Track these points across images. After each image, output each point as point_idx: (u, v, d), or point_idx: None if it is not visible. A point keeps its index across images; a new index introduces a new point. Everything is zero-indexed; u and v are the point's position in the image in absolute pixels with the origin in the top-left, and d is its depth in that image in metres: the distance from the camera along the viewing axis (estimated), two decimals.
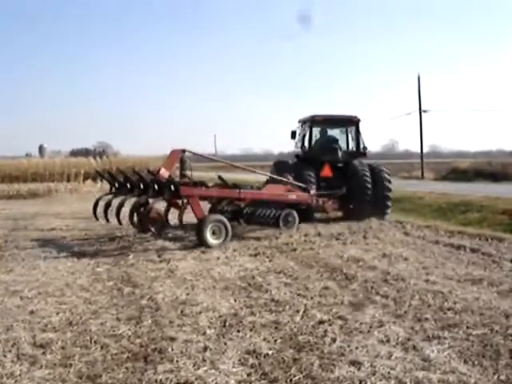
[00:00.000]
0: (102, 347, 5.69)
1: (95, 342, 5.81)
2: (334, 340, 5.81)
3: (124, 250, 11.64)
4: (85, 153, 62.48)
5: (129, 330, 6.22)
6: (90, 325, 6.42)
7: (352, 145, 18.33)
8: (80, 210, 20.49)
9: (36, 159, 55.88)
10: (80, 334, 6.09)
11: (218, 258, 10.42)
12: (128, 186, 13.96)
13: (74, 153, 65.08)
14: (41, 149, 68.82)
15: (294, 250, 11.25)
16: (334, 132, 18.87)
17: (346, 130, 18.56)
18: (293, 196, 14.29)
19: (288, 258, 10.45)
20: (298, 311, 6.85)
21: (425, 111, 45.41)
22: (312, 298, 7.50)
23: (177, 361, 5.26)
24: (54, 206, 20.60)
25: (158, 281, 8.67)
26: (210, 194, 13.45)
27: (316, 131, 18.32)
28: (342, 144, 18.34)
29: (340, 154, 17.89)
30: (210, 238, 11.88)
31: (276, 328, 6.24)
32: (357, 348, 5.56)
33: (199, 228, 12.03)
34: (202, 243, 11.81)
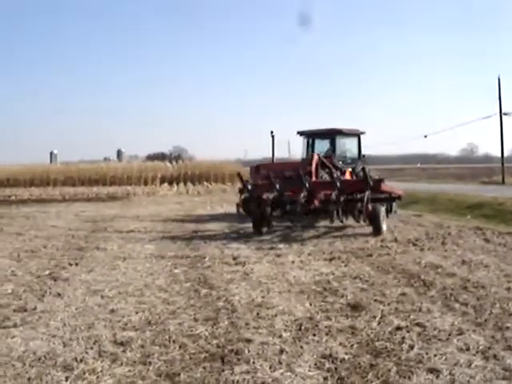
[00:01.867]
0: (180, 346, 5.79)
1: (174, 342, 5.92)
2: (411, 347, 5.70)
3: (200, 252, 11.82)
4: (161, 157, 63.78)
5: (206, 330, 6.31)
6: (168, 324, 6.55)
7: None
8: (157, 212, 21.00)
9: (114, 163, 57.57)
10: (159, 333, 6.22)
11: (293, 262, 10.42)
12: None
13: (151, 157, 66.55)
14: (119, 153, 70.85)
15: (370, 255, 11.11)
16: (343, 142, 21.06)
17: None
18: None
19: (364, 263, 10.33)
20: (374, 317, 6.76)
21: (505, 114, 43.95)
22: (389, 304, 7.38)
23: (253, 362, 5.29)
24: (132, 208, 21.14)
25: (234, 283, 8.75)
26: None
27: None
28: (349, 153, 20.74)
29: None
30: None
31: (352, 333, 6.18)
32: (435, 355, 5.44)
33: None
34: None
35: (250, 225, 15.47)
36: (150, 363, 5.33)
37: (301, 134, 21.38)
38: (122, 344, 5.90)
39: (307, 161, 17.78)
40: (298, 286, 8.45)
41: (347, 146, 20.93)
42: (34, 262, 10.96)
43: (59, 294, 8.18)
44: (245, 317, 6.81)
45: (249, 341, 5.91)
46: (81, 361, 5.41)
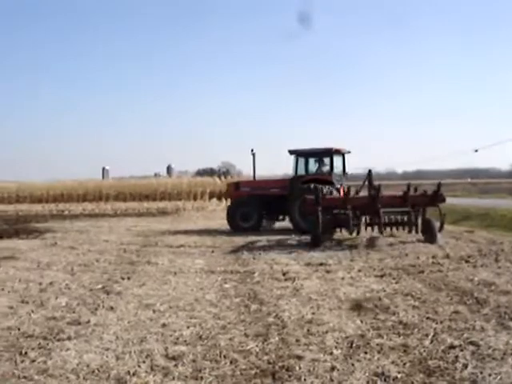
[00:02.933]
0: (231, 362, 5.81)
1: (225, 357, 5.95)
2: (465, 366, 5.58)
3: (249, 268, 11.85)
4: (210, 172, 64.23)
5: (256, 346, 6.31)
6: (219, 339, 6.58)
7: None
8: (206, 227, 21.14)
9: (164, 179, 58.17)
10: (210, 348, 6.25)
11: (343, 279, 10.34)
12: None
13: (200, 172, 67.07)
14: (169, 169, 71.66)
15: (422, 271, 10.93)
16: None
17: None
18: None
19: (415, 279, 10.17)
20: (427, 335, 6.65)
21: None
22: (442, 321, 7.24)
23: (304, 379, 5.27)
24: (182, 223, 21.38)
25: (284, 299, 8.73)
26: None
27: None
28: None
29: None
30: None
31: (405, 351, 6.09)
32: (490, 375, 5.31)
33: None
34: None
35: (298, 241, 15.69)
36: (202, 378, 5.37)
37: (293, 152, 21.55)
38: (173, 358, 5.96)
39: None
40: (349, 303, 8.38)
41: (335, 164, 21.36)
42: (88, 276, 11.17)
43: (112, 308, 8.31)
44: (295, 333, 6.79)
45: (300, 357, 5.88)
46: (133, 374, 5.49)
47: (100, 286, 10.04)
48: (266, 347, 6.28)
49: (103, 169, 72.53)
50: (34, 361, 5.93)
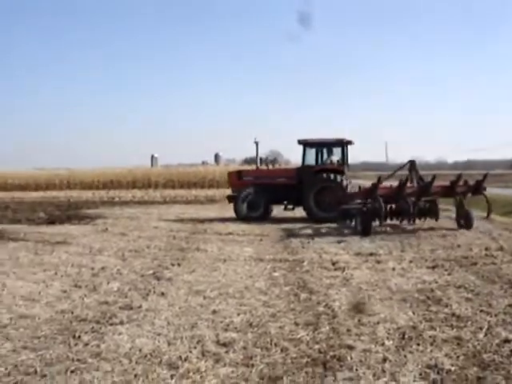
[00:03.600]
0: (281, 350, 5.80)
1: (275, 345, 5.94)
2: None
3: (299, 256, 11.82)
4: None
5: (307, 335, 6.29)
6: (269, 327, 6.58)
7: None
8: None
9: (212, 167, 58.36)
10: (260, 336, 6.26)
11: (394, 269, 10.20)
12: None
13: (248, 161, 66.90)
14: (216, 157, 71.87)
15: (475, 263, 10.69)
16: None
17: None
18: None
19: (468, 272, 9.96)
20: (480, 328, 6.50)
21: None
22: (496, 315, 7.07)
23: (356, 370, 5.22)
24: (230, 211, 21.31)
25: (334, 288, 8.67)
26: None
27: None
28: None
29: None
30: None
31: (458, 344, 5.97)
32: None
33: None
34: None
35: (349, 230, 15.69)
36: (253, 365, 5.38)
37: (302, 142, 21.39)
38: (224, 345, 5.99)
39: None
40: (400, 294, 8.26)
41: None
42: (138, 262, 11.32)
43: (163, 294, 8.41)
44: (346, 323, 6.74)
45: (351, 347, 5.84)
46: (185, 360, 5.53)
47: (151, 272, 10.16)
48: (317, 336, 6.25)
49: (152, 156, 73.18)
50: (87, 344, 6.04)
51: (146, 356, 5.66)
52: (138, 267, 10.71)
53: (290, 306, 7.60)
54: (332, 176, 19.96)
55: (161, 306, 7.65)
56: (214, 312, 7.32)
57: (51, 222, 20.83)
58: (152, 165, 69.92)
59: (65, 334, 6.45)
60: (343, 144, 21.10)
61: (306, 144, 21.33)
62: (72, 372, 5.21)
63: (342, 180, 19.90)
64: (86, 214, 24.39)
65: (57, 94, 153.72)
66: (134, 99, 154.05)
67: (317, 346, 5.90)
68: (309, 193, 20.00)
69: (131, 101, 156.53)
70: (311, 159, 21.48)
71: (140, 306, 7.64)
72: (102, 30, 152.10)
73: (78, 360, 5.55)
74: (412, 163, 18.10)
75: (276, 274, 9.92)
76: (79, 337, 6.29)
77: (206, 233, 16.69)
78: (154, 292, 8.53)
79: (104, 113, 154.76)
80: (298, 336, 6.25)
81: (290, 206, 21.42)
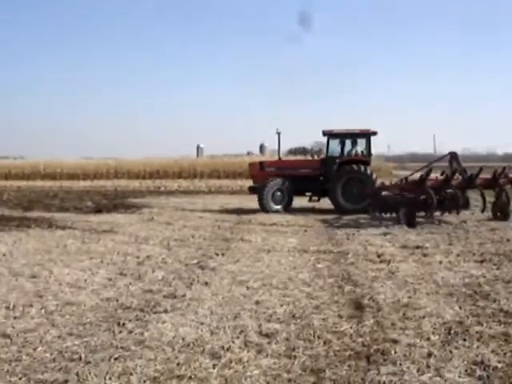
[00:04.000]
0: (324, 342, 5.75)
1: (318, 337, 5.89)
2: None
3: (343, 248, 11.72)
4: (302, 152, 63.77)
5: (351, 328, 6.22)
6: (312, 319, 6.53)
7: None
8: (299, 206, 21.03)
9: (257, 157, 58.20)
10: (303, 328, 6.22)
11: (441, 262, 10.00)
12: None
13: (293, 151, 66.66)
14: (261, 147, 71.71)
15: None
16: None
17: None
18: None
19: None
20: None
21: None
22: None
23: (400, 364, 5.14)
24: None
25: (379, 281, 8.56)
26: None
27: None
28: None
29: None
30: None
31: (506, 340, 5.81)
32: None
33: None
34: None
35: (394, 221, 15.67)
36: (295, 357, 5.34)
37: (327, 133, 21.24)
38: (267, 336, 5.97)
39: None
40: (447, 288, 8.09)
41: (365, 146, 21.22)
42: (183, 251, 11.39)
43: (206, 283, 8.44)
44: (390, 316, 6.64)
45: (395, 341, 5.75)
46: (227, 349, 5.53)
47: (195, 261, 10.21)
48: (361, 329, 6.17)
49: (198, 146, 73.50)
50: (131, 332, 6.10)
51: (188, 345, 5.69)
52: (183, 256, 10.77)
53: (333, 298, 7.54)
54: (361, 167, 20.04)
55: (204, 296, 7.67)
56: (257, 302, 7.31)
57: (98, 210, 21.14)
58: (198, 155, 70.21)
59: (109, 321, 6.53)
60: (368, 135, 20.99)
61: (330, 135, 21.23)
62: (116, 359, 5.27)
63: (370, 171, 20.08)
64: (132, 203, 24.67)
65: (107, 84, 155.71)
66: (181, 90, 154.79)
67: (360, 340, 5.83)
68: (336, 184, 19.93)
69: (178, 91, 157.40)
70: (335, 150, 21.34)
71: (184, 295, 7.68)
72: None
73: (122, 347, 5.60)
74: (453, 155, 18.16)
75: (320, 266, 9.85)
76: (123, 324, 6.36)
77: (250, 223, 16.71)
78: (198, 281, 8.57)
79: (150, 103, 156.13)
80: (342, 329, 6.19)
81: (315, 198, 21.35)
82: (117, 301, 7.44)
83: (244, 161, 53.17)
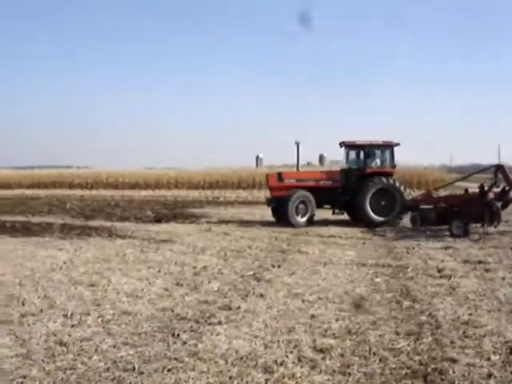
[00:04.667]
0: (380, 360, 5.62)
1: (374, 354, 5.76)
2: None
3: (403, 262, 11.49)
4: None
5: (408, 345, 6.06)
6: (368, 335, 6.40)
7: None
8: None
9: (317, 168, 57.94)
10: (359, 344, 6.09)
11: (504, 278, 9.67)
12: None
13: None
14: (321, 158, 71.33)
15: None
16: None
17: None
18: None
19: None
20: None
21: None
22: None
23: None
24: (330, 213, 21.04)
25: (438, 297, 8.33)
26: None
27: None
28: None
29: None
30: None
31: None
32: None
33: None
34: None
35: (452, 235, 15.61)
36: (350, 374, 5.24)
37: (347, 144, 20.79)
38: (321, 351, 5.88)
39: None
40: (509, 306, 7.81)
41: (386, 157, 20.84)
42: (239, 262, 11.39)
43: (262, 295, 8.39)
44: (450, 334, 6.45)
45: (454, 361, 5.57)
46: (281, 364, 5.47)
47: (251, 273, 10.19)
48: (418, 347, 6.01)
49: (257, 157, 73.70)
50: (185, 343, 6.11)
51: (241, 358, 5.65)
52: (239, 267, 10.77)
53: (391, 314, 7.37)
54: (390, 180, 19.85)
55: (259, 308, 7.63)
56: (313, 316, 7.22)
57: (158, 220, 21.40)
58: (257, 165, 70.40)
59: (164, 331, 6.56)
60: (391, 146, 20.61)
61: (351, 146, 20.82)
62: (169, 370, 5.28)
63: (399, 183, 19.92)
64: (191, 213, 24.90)
65: (165, 95, 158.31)
66: (240, 101, 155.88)
67: (418, 358, 5.67)
68: (365, 196, 19.46)
69: (238, 103, 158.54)
70: (355, 161, 20.89)
71: (239, 307, 7.65)
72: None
73: (176, 359, 5.61)
74: (499, 167, 18.24)
75: (378, 280, 9.67)
76: (178, 335, 6.38)
77: (307, 235, 16.62)
78: (254, 293, 8.54)
79: (210, 115, 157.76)
80: (399, 346, 6.04)
81: (339, 210, 20.93)
82: (172, 311, 7.48)
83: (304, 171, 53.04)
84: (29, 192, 47.35)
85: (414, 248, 13.58)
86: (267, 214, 21.23)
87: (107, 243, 14.36)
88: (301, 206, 19.48)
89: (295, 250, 13.27)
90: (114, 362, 5.54)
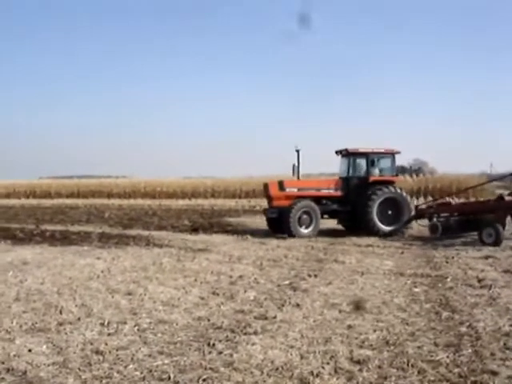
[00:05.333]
0: (419, 372, 5.50)
1: (412, 366, 5.65)
2: None
3: (442, 272, 11.28)
4: (401, 170, 62.62)
5: (447, 357, 5.93)
6: (406, 346, 6.28)
7: None
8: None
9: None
10: (397, 355, 5.98)
11: None
12: None
13: None
14: None
15: None
16: None
17: None
18: None
19: None
20: None
21: None
22: None
23: None
24: None
25: (479, 308, 8.15)
26: None
27: None
28: None
29: None
30: None
31: None
32: None
33: None
34: None
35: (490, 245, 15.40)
36: None
37: (346, 153, 20.35)
38: (358, 362, 5.79)
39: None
40: None
41: (387, 165, 20.55)
42: (276, 271, 11.35)
43: (298, 305, 8.33)
44: (490, 346, 6.29)
45: (494, 373, 5.44)
46: (317, 375, 5.40)
47: (287, 282, 10.13)
48: (458, 359, 5.87)
49: (293, 166, 73.71)
50: (220, 353, 6.08)
51: (277, 369, 5.60)
52: (275, 277, 10.72)
53: (430, 325, 7.23)
54: (397, 188, 19.50)
55: (295, 318, 7.57)
56: (350, 327, 7.13)
57: (195, 229, 21.50)
58: (293, 174, 70.43)
59: (200, 341, 6.54)
60: (393, 154, 20.29)
61: (350, 154, 20.34)
62: (204, 381, 5.25)
63: (405, 192, 19.68)
64: (227, 222, 24.98)
65: (201, 107, 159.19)
66: (278, 107, 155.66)
67: (457, 370, 5.54)
68: (371, 206, 19.01)
69: (269, 111, 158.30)
70: (357, 170, 20.40)
71: (275, 317, 7.60)
72: None
73: (211, 369, 5.59)
74: None
75: (417, 290, 9.51)
76: (213, 345, 6.36)
77: (344, 244, 16.50)
78: (290, 303, 8.47)
79: (247, 125, 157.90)
80: (438, 358, 5.91)
81: (341, 220, 20.71)
82: (208, 320, 7.47)
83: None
84: (68, 201, 48.07)
85: (453, 257, 13.35)
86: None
87: (144, 252, 14.46)
88: (304, 216, 18.96)
89: (332, 259, 13.16)
90: (150, 371, 5.54)
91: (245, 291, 9.35)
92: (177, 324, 7.28)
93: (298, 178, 21.13)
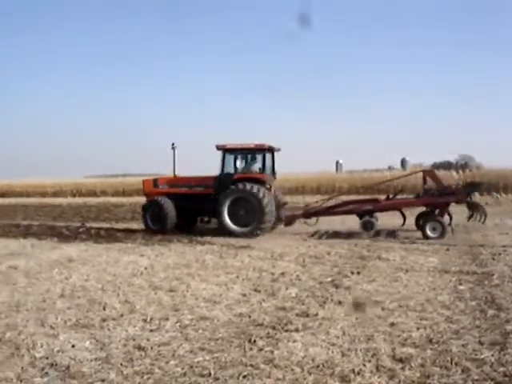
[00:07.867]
0: (462, 370, 5.41)
1: (456, 364, 5.55)
2: None
3: (488, 269, 11.04)
4: (447, 166, 61.62)
5: (492, 356, 5.81)
6: (450, 345, 6.18)
7: None
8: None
9: (399, 172, 57.02)
10: (440, 354, 5.89)
11: None
12: None
13: (436, 166, 64.59)
14: (403, 162, 70.07)
15: None
16: None
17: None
18: None
19: None
20: None
21: None
22: None
23: None
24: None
25: None
26: None
27: None
28: None
29: None
30: None
31: None
32: None
33: None
34: None
35: None
36: None
37: (220, 148, 19.14)
38: (400, 360, 5.72)
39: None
40: None
41: (266, 163, 19.50)
42: (318, 268, 11.29)
43: (340, 302, 8.27)
44: None
45: None
46: (358, 373, 5.36)
47: (329, 279, 10.07)
48: (503, 358, 5.75)
49: (337, 162, 73.18)
50: (261, 350, 6.09)
51: (318, 366, 5.57)
52: (317, 274, 10.67)
53: (475, 323, 7.08)
54: (253, 186, 18.05)
55: (337, 315, 7.52)
56: (392, 325, 7.05)
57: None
58: (337, 170, 69.88)
59: (241, 337, 6.56)
60: (264, 151, 19.26)
61: (225, 150, 19.29)
62: (244, 377, 5.27)
63: (262, 190, 18.04)
64: None
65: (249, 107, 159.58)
66: (319, 105, 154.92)
67: (502, 369, 5.42)
68: (223, 203, 18.27)
69: (318, 107, 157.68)
70: (231, 167, 19.48)
71: (316, 314, 7.56)
72: None
73: (251, 365, 5.60)
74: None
75: (462, 288, 9.34)
76: (254, 341, 6.37)
77: (388, 241, 16.29)
78: (332, 300, 8.43)
79: (290, 121, 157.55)
80: (482, 356, 5.80)
81: (206, 219, 20.25)
82: (249, 317, 7.49)
83: (384, 176, 52.33)
84: (113, 200, 48.73)
85: (500, 254, 13.05)
86: (347, 218, 20.95)
87: (187, 249, 14.58)
88: (161, 212, 19.07)
89: (375, 256, 13.02)
90: (191, 367, 5.58)
91: (286, 288, 9.33)
92: (218, 320, 7.32)
93: (174, 174, 20.89)
